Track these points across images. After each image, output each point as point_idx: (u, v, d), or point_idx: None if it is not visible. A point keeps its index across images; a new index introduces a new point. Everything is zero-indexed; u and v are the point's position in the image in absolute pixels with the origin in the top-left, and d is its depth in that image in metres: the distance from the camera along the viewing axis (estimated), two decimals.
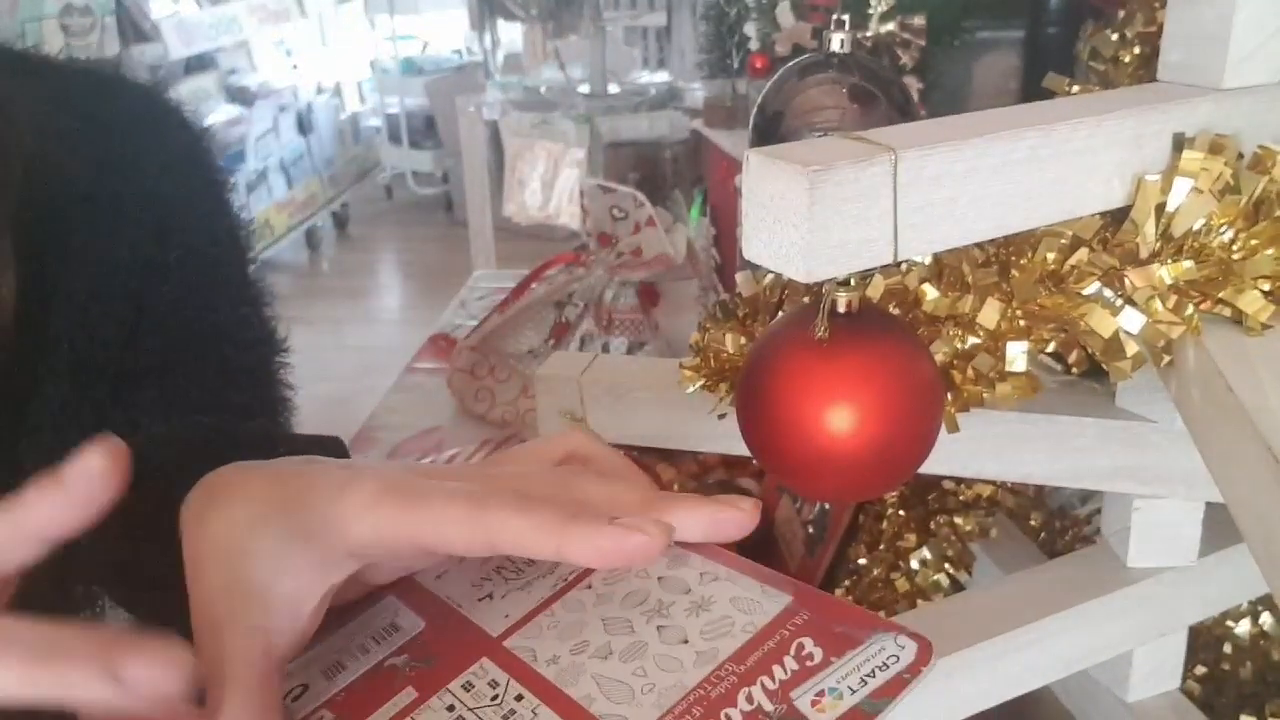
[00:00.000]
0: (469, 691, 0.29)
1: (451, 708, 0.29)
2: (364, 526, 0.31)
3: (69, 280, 0.52)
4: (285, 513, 0.32)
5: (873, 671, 0.27)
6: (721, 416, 0.50)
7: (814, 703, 0.26)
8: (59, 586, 0.48)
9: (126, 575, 0.40)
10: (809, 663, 0.27)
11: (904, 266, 0.44)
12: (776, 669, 0.27)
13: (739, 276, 0.50)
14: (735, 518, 0.33)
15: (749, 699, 0.26)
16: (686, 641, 0.28)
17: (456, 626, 0.32)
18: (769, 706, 0.26)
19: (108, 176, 0.53)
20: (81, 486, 0.29)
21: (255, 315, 0.61)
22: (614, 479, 0.35)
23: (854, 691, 0.26)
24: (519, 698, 0.28)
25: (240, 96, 4.22)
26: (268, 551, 0.32)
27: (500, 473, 0.36)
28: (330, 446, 0.45)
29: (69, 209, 0.52)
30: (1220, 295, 0.38)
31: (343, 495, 0.32)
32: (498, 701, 0.28)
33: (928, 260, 0.44)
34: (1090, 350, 0.41)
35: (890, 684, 0.27)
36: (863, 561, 0.70)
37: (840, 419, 0.37)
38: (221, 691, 0.30)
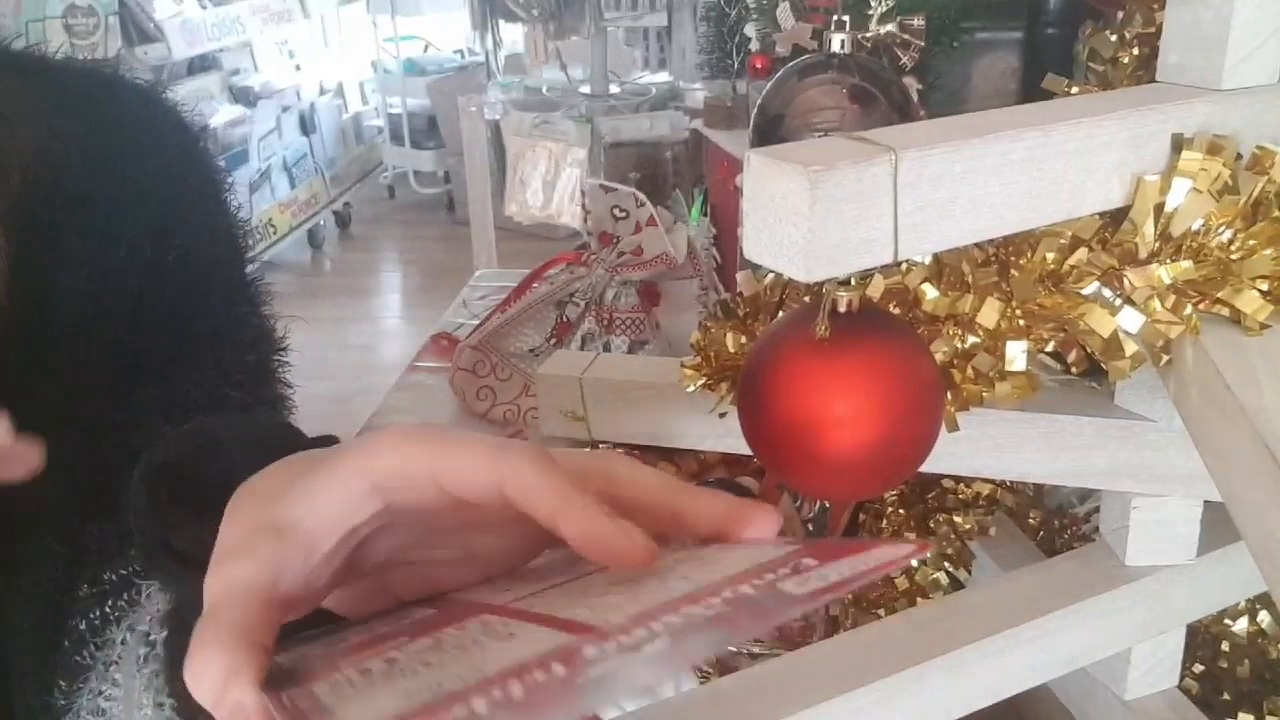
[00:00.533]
0: (459, 632, 0.29)
1: (437, 640, 0.29)
2: (392, 457, 0.31)
3: (65, 280, 0.52)
4: (321, 459, 0.33)
5: (864, 561, 0.27)
6: (722, 415, 0.50)
7: (798, 584, 0.26)
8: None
9: (165, 536, 0.40)
10: (803, 568, 0.27)
11: (904, 266, 0.44)
12: (769, 575, 0.27)
13: (740, 276, 0.51)
14: (753, 517, 0.32)
15: (734, 591, 0.26)
16: (686, 578, 0.28)
17: (467, 605, 0.32)
18: (752, 593, 0.26)
19: (105, 177, 0.53)
20: None
21: (253, 315, 0.61)
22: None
23: (841, 573, 0.26)
24: (503, 626, 0.28)
25: (243, 97, 4.22)
26: (301, 494, 0.32)
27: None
28: None
29: (66, 209, 0.52)
30: (1219, 295, 0.39)
31: (377, 435, 0.32)
32: (481, 632, 0.29)
33: (927, 260, 0.44)
34: (1089, 349, 0.41)
35: (873, 569, 0.27)
36: None
37: (841, 418, 0.37)
38: (214, 612, 0.29)
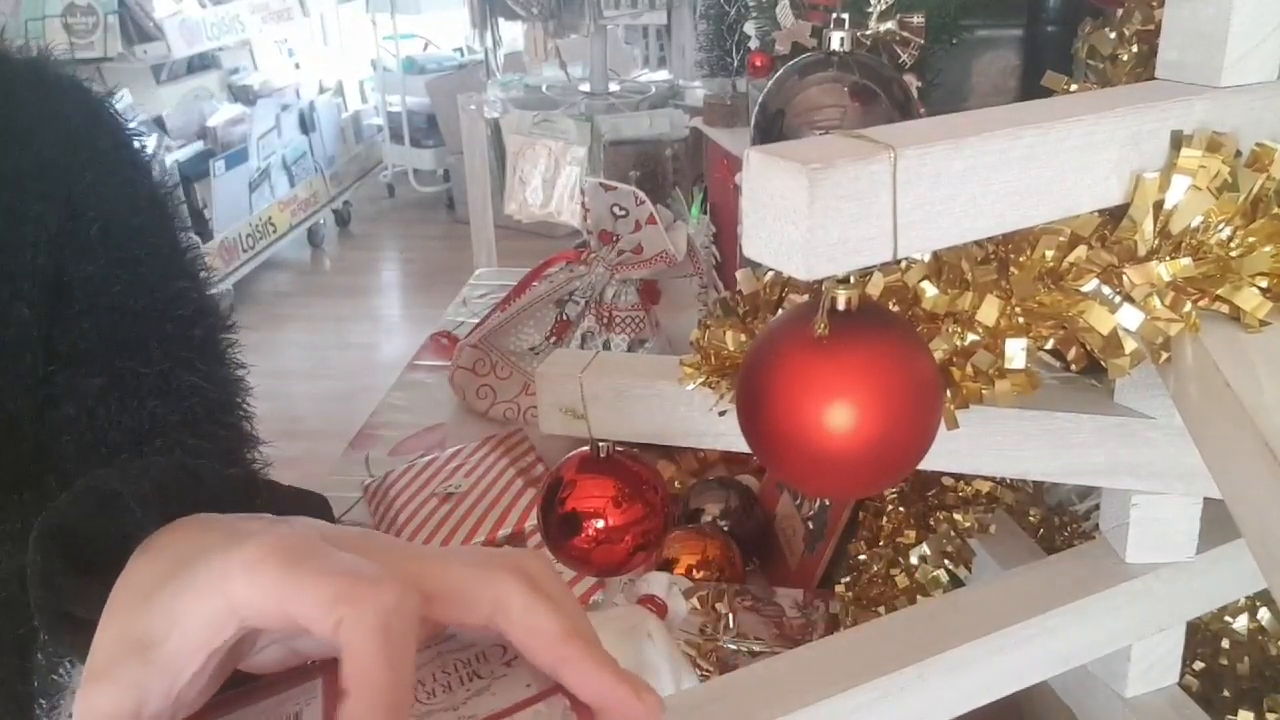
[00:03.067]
0: None
1: None
2: (242, 583, 0.30)
3: None
4: (186, 566, 0.31)
5: None
6: (722, 413, 0.50)
7: None
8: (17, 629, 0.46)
9: (64, 607, 0.38)
10: None
11: (903, 264, 0.44)
12: None
13: (739, 274, 0.51)
14: (632, 709, 0.31)
15: None
16: None
17: None
18: None
19: (0, 152, 0.51)
20: None
21: (194, 288, 0.57)
22: (549, 598, 0.32)
23: None
24: None
25: (243, 95, 4.23)
26: (165, 606, 0.31)
27: (422, 553, 0.33)
28: (313, 504, 0.43)
29: None
30: (1218, 292, 0.39)
31: (234, 549, 0.30)
32: None
33: (927, 258, 0.44)
34: (1089, 347, 0.41)
35: None
36: (862, 557, 0.71)
37: (840, 416, 0.37)
38: None
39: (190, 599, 0.30)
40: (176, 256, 0.57)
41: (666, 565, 0.89)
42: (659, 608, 0.76)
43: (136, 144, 0.57)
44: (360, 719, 0.28)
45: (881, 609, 0.67)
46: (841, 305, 0.38)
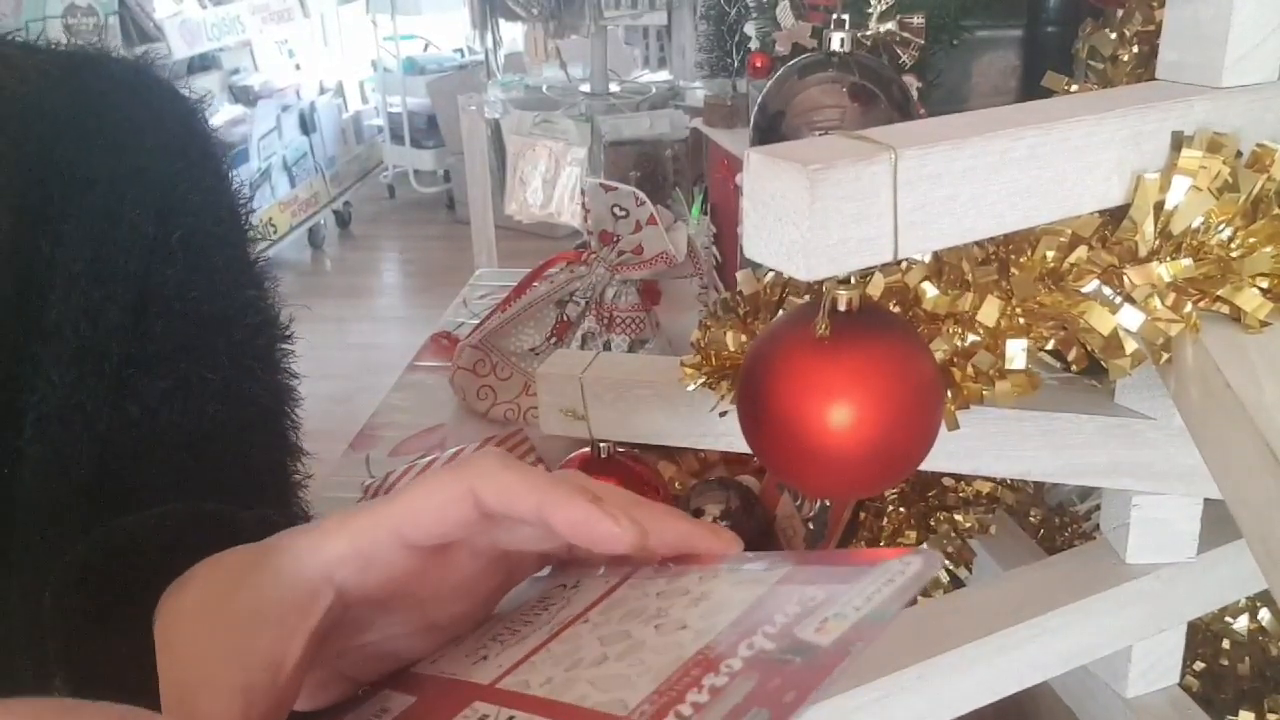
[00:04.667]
0: None
1: None
2: (339, 541, 0.31)
3: (68, 264, 0.50)
4: (259, 565, 0.31)
5: (878, 589, 0.26)
6: (722, 414, 0.50)
7: (817, 629, 0.25)
8: (41, 676, 0.47)
9: (87, 663, 0.37)
10: (811, 603, 0.26)
11: (904, 264, 0.44)
12: (778, 616, 0.26)
13: (740, 275, 0.51)
14: (713, 546, 0.33)
15: (749, 646, 0.25)
16: (685, 627, 0.28)
17: (447, 688, 0.31)
18: (770, 646, 0.25)
19: (100, 155, 0.51)
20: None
21: (260, 298, 0.59)
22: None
23: (858, 609, 0.25)
24: (510, 719, 0.27)
25: (243, 96, 4.23)
26: (245, 607, 0.31)
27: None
28: None
29: (61, 189, 0.50)
30: (1219, 293, 0.39)
31: (317, 527, 0.32)
32: None
33: (927, 258, 0.44)
34: (1089, 348, 0.41)
35: (894, 595, 0.26)
36: None
37: (840, 416, 0.37)
38: None
39: (278, 592, 0.31)
40: (248, 266, 0.58)
41: None
42: None
43: (220, 154, 0.58)
44: (570, 504, 0.30)
45: None
46: (842, 306, 0.38)
